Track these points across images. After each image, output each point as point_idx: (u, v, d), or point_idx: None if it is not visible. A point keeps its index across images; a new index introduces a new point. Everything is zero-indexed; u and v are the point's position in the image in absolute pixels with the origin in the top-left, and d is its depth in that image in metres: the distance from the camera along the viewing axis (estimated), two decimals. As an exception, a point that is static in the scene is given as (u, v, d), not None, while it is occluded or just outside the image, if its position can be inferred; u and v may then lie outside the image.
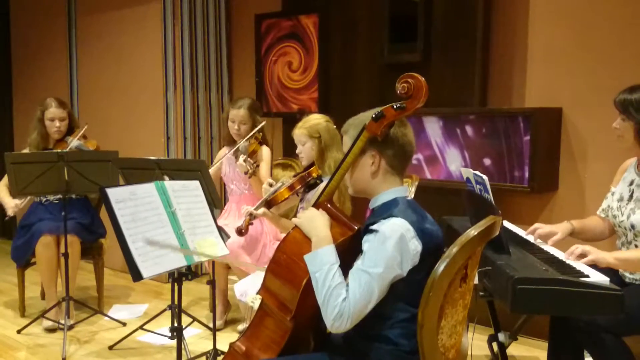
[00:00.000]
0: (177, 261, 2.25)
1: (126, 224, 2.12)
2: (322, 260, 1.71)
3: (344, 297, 1.67)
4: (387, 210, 1.77)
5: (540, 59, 3.39)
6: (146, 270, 2.12)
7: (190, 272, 2.32)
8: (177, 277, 2.42)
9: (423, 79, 1.74)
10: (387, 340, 1.75)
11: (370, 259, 1.69)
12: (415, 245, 1.72)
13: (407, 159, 1.85)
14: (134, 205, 2.18)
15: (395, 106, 1.75)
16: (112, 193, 2.13)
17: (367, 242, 1.73)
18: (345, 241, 1.79)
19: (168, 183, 2.37)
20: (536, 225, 2.52)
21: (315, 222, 1.80)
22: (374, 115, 1.75)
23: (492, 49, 3.57)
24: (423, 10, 3.66)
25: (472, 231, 1.66)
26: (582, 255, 2.21)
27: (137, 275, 2.10)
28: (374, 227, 1.73)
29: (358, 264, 1.72)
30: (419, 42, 3.68)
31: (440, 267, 1.64)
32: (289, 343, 1.80)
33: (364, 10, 4.04)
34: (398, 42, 3.80)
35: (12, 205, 3.72)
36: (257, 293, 1.90)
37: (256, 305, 2.10)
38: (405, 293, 1.73)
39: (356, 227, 1.82)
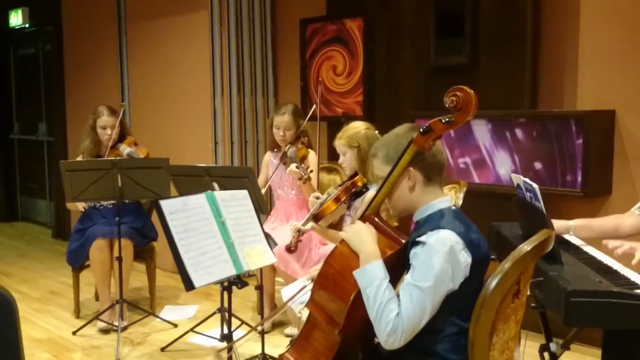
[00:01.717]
0: (228, 270, 2.30)
1: (179, 234, 2.18)
2: (372, 276, 1.71)
3: (396, 312, 1.67)
4: (433, 222, 1.76)
5: (592, 60, 3.30)
6: (198, 280, 2.18)
7: (240, 281, 2.36)
8: (227, 286, 2.47)
9: (472, 92, 1.71)
10: (437, 355, 1.74)
11: (419, 273, 1.68)
12: (465, 258, 1.70)
13: (442, 167, 1.84)
14: (186, 216, 2.23)
15: (443, 120, 1.73)
16: (166, 205, 2.19)
17: (415, 255, 1.71)
18: (393, 255, 1.79)
19: (218, 193, 2.42)
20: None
21: (362, 236, 1.79)
22: (421, 130, 1.74)
23: (542, 49, 3.48)
24: (470, 10, 3.60)
25: (526, 246, 1.63)
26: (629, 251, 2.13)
27: (189, 285, 2.16)
28: (421, 239, 1.71)
29: (408, 278, 1.71)
30: (466, 42, 3.63)
31: (493, 283, 1.61)
32: (337, 356, 1.81)
33: (409, 12, 4.01)
34: (445, 41, 3.73)
35: (80, 208, 3.90)
36: (305, 306, 1.92)
37: (304, 316, 2.12)
38: (456, 306, 1.72)
39: (404, 241, 1.82)
